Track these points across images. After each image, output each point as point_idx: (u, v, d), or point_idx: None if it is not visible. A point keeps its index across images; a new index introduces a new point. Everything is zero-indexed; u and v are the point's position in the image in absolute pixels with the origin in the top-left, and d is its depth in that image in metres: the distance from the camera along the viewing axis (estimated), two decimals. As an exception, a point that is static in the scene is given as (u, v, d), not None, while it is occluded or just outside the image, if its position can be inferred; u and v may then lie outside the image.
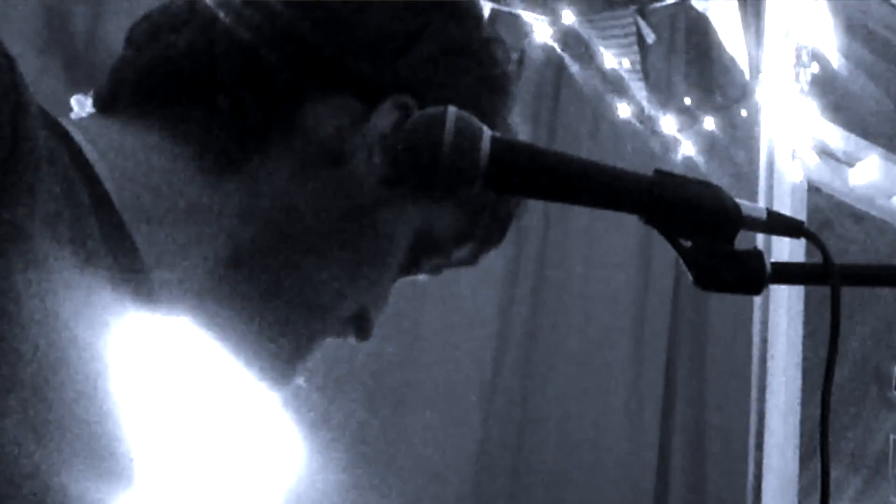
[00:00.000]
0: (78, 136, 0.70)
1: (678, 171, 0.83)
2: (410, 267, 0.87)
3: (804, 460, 2.84)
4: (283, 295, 0.79)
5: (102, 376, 0.61)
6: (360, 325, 0.86)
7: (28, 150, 0.56)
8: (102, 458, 0.60)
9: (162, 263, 0.73)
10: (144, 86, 0.77)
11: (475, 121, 0.77)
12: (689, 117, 2.66)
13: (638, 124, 2.53)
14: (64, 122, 0.71)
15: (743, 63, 2.62)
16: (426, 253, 0.87)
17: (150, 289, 0.72)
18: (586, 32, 2.45)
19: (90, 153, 0.70)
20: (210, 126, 0.76)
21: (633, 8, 2.47)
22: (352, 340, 0.90)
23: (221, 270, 0.76)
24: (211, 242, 0.76)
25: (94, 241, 0.64)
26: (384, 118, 0.80)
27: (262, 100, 0.77)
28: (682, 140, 2.61)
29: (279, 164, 0.77)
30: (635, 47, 2.45)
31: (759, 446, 2.78)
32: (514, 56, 2.43)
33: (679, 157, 2.59)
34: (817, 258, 0.81)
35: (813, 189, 3.07)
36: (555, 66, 2.51)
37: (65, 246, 0.60)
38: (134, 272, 0.70)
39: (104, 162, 0.71)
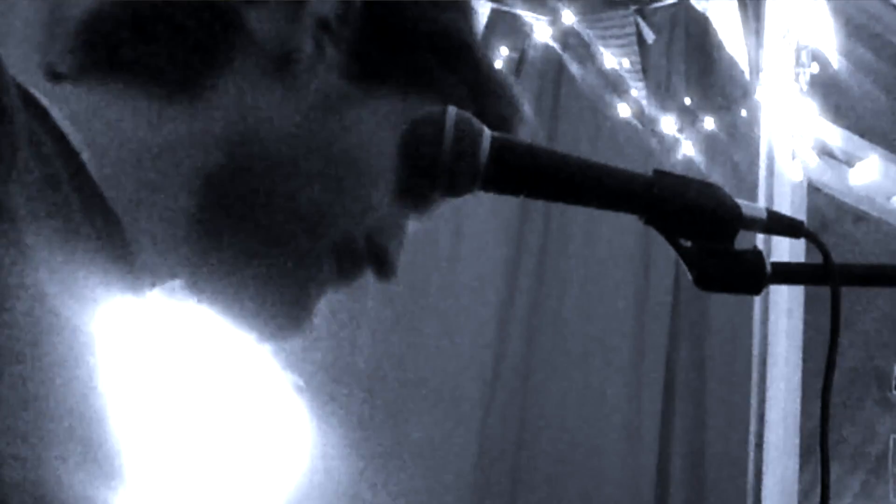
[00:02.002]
0: (54, 112, 0.69)
1: (678, 171, 0.83)
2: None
3: (804, 460, 2.84)
4: (267, 225, 0.75)
5: (90, 359, 0.60)
6: (376, 261, 0.81)
7: (7, 131, 0.55)
8: (92, 447, 0.58)
9: (141, 227, 0.72)
10: (93, 45, 0.76)
11: (475, 121, 0.77)
12: (689, 117, 2.66)
13: (638, 124, 2.53)
14: (37, 95, 0.69)
15: (743, 63, 2.62)
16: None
17: (134, 261, 0.70)
18: (586, 32, 2.45)
19: (65, 126, 0.69)
20: (160, 62, 0.73)
21: (633, 8, 2.47)
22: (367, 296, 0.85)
23: (198, 212, 0.74)
24: (183, 185, 0.73)
25: (75, 217, 0.63)
26: (322, 2, 0.77)
27: (201, 16, 0.74)
28: (682, 140, 2.61)
29: (233, 82, 0.74)
30: (635, 47, 2.45)
31: (759, 446, 2.78)
32: (514, 56, 2.43)
33: (679, 157, 2.60)
34: (817, 258, 0.81)
35: (813, 189, 3.07)
36: (555, 66, 2.52)
37: (47, 224, 0.59)
38: (117, 245, 0.68)
39: (78, 131, 0.69)
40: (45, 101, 0.69)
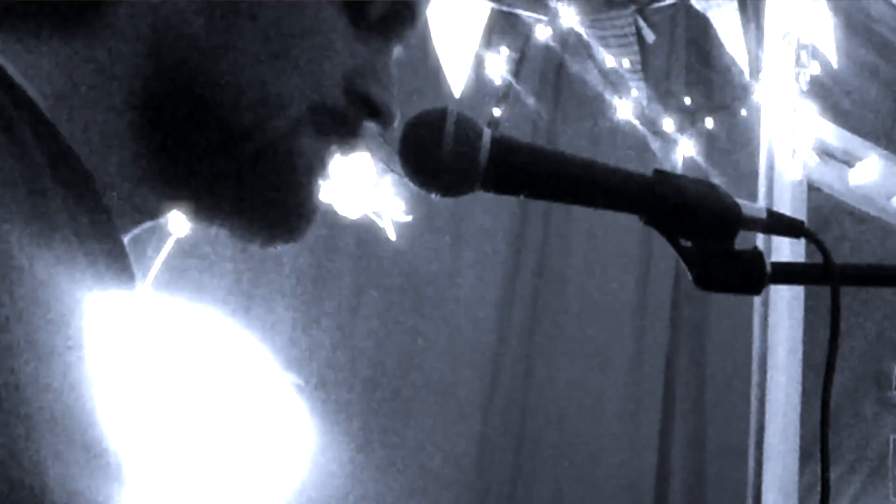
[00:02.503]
0: (7, 65, 0.64)
1: (678, 171, 0.83)
2: (358, 12, 0.73)
3: (804, 460, 2.84)
4: (224, 125, 0.69)
5: (82, 359, 0.56)
6: (369, 108, 0.73)
7: None
8: (83, 438, 0.54)
9: (103, 169, 0.67)
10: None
11: (475, 121, 0.77)
12: (689, 117, 2.66)
13: (638, 124, 2.53)
14: None
15: (743, 63, 2.62)
16: None
17: (109, 210, 0.65)
18: (586, 32, 2.45)
19: (17, 76, 0.64)
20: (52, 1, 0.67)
21: (633, 8, 2.47)
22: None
23: (151, 139, 0.69)
24: (125, 114, 0.68)
25: (41, 172, 0.58)
26: None
27: None
28: (682, 140, 2.61)
29: None
30: (635, 47, 2.45)
31: (759, 446, 2.78)
32: (514, 56, 2.43)
33: (679, 157, 2.60)
34: (817, 258, 0.81)
35: (813, 189, 3.07)
36: (555, 66, 2.52)
37: (11, 186, 0.54)
38: (89, 196, 0.63)
39: (26, 80, 0.64)
40: None
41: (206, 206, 0.72)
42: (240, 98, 0.69)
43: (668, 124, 2.60)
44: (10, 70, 0.64)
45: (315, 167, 0.73)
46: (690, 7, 2.61)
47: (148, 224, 0.74)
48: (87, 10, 0.67)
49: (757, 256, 0.80)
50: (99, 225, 0.64)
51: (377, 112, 0.73)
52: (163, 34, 0.68)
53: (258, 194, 0.71)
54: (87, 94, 0.67)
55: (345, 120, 0.73)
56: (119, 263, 0.65)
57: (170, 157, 0.70)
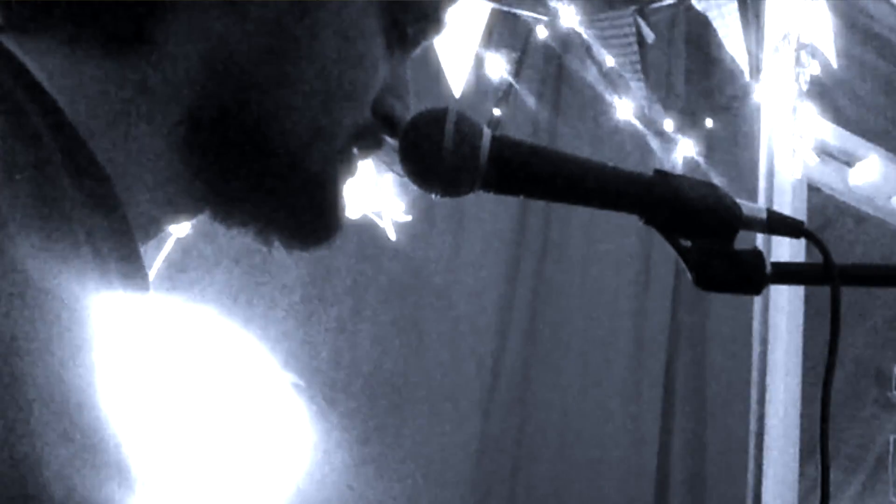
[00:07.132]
0: (30, 65, 0.64)
1: (678, 171, 0.83)
2: (397, 33, 0.75)
3: (804, 460, 2.84)
4: (276, 149, 0.70)
5: (88, 363, 0.55)
6: (388, 123, 0.75)
7: None
8: (95, 452, 0.54)
9: (131, 180, 0.67)
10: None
11: (475, 121, 0.77)
12: (689, 117, 2.66)
13: (638, 124, 2.53)
14: (8, 46, 0.64)
15: (743, 63, 2.62)
16: (403, 12, 0.75)
17: (125, 216, 0.65)
18: (586, 32, 2.45)
19: (42, 78, 0.63)
20: (100, 15, 0.67)
21: (633, 8, 2.47)
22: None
23: (192, 155, 0.69)
24: (169, 132, 0.68)
25: (58, 177, 0.57)
26: None
27: None
28: (682, 140, 2.61)
29: (185, 21, 0.68)
30: (635, 47, 2.45)
31: (759, 446, 2.78)
32: (514, 56, 2.43)
33: (679, 157, 2.60)
34: (817, 258, 0.81)
35: (813, 189, 3.07)
36: (555, 66, 2.52)
37: (25, 188, 0.54)
38: (108, 201, 0.64)
39: (52, 84, 0.64)
40: (18, 53, 0.64)
41: (240, 216, 0.74)
42: (291, 128, 0.70)
43: (668, 124, 2.60)
44: (41, 78, 0.64)
45: (346, 179, 0.75)
46: (690, 7, 2.61)
47: (168, 230, 0.75)
48: (139, 31, 0.68)
49: (757, 256, 0.80)
50: (115, 230, 0.64)
51: (394, 127, 0.76)
52: (216, 62, 0.69)
53: (294, 209, 0.73)
54: (126, 110, 0.68)
55: (372, 135, 0.75)
56: (133, 269, 0.66)
57: (211, 176, 0.71)
